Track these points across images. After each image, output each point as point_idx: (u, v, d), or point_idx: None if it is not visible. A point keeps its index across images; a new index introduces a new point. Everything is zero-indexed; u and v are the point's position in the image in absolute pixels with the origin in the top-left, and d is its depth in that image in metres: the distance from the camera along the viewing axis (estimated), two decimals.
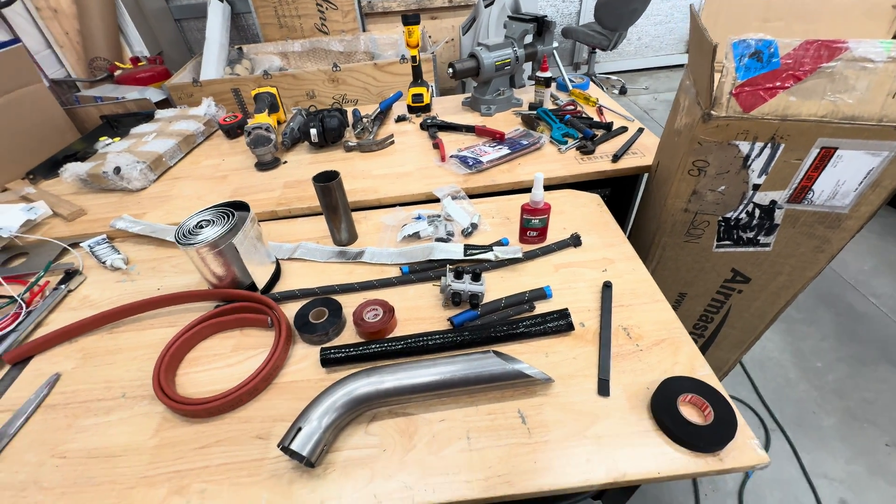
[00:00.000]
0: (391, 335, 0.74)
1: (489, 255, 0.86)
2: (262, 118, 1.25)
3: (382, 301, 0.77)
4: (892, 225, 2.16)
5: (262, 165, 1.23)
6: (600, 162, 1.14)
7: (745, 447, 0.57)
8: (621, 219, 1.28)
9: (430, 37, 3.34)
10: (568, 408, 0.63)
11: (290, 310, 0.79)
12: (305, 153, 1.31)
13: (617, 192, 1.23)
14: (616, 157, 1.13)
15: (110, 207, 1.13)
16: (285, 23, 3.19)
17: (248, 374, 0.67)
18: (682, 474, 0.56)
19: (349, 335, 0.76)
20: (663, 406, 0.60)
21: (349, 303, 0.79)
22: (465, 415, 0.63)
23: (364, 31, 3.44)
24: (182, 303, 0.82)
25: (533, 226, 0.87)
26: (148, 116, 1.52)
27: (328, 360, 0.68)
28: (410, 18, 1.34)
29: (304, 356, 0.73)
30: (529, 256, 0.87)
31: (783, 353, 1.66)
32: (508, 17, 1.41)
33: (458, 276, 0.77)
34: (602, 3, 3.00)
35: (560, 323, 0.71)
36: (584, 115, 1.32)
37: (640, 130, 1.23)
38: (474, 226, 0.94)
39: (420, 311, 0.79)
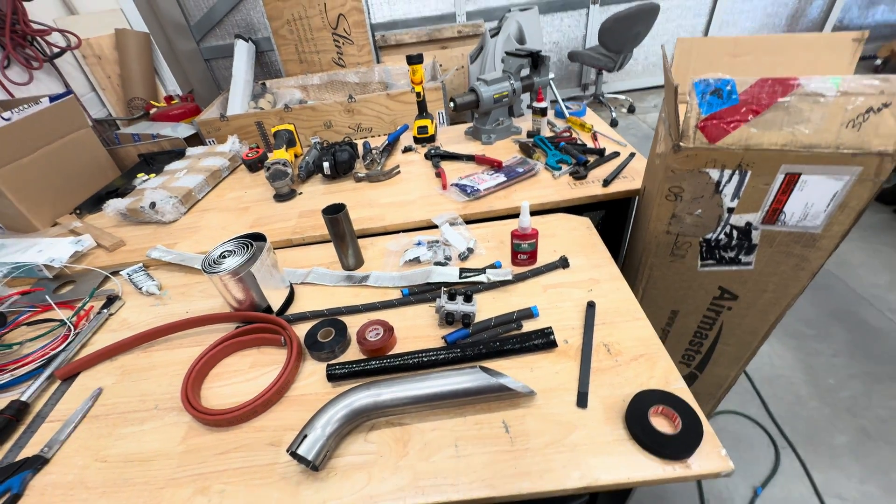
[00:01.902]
0: (391, 352, 0.81)
1: (482, 278, 0.93)
2: (280, 154, 1.37)
3: (384, 321, 0.85)
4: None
5: (280, 197, 1.35)
6: (592, 186, 1.20)
7: (712, 455, 0.61)
8: (617, 240, 1.34)
9: (440, 65, 3.50)
10: (548, 418, 0.68)
11: (301, 330, 0.88)
12: (319, 184, 1.42)
13: (612, 214, 1.29)
14: (607, 182, 1.19)
15: (146, 238, 1.26)
16: (305, 58, 3.41)
17: (263, 388, 0.76)
18: (652, 480, 0.60)
19: (353, 352, 0.84)
20: (636, 417, 0.65)
21: (354, 323, 0.87)
22: (454, 425, 0.69)
23: (378, 62, 3.64)
24: (207, 324, 0.92)
25: (522, 250, 0.94)
26: (180, 154, 1.67)
27: (334, 376, 0.76)
28: (414, 58, 1.46)
29: (313, 372, 0.81)
30: (519, 278, 0.94)
31: (794, 371, 1.64)
32: (506, 52, 1.52)
33: (452, 297, 0.84)
34: (605, 28, 3.10)
35: (543, 341, 0.78)
36: (578, 142, 1.40)
37: (632, 155, 1.30)
38: (470, 250, 1.02)
39: (417, 329, 0.86)
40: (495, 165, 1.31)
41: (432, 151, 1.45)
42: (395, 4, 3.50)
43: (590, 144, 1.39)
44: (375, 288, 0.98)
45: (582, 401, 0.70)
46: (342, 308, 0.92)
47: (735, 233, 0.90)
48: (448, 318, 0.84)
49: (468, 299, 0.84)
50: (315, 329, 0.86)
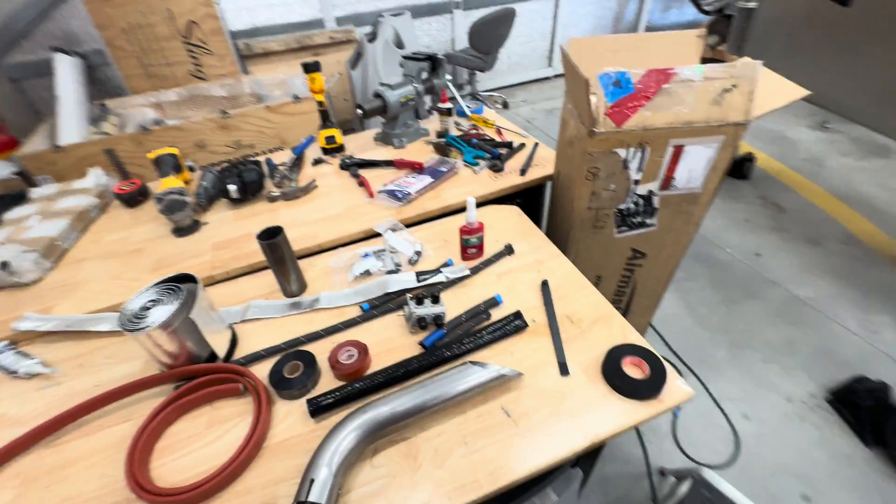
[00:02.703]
0: (370, 371, 0.78)
1: (440, 278, 0.94)
2: (171, 182, 1.19)
3: (354, 341, 0.80)
4: (729, 189, 2.72)
5: (182, 231, 1.17)
6: (511, 177, 1.29)
7: (674, 388, 0.72)
8: (535, 222, 1.46)
9: None
10: (541, 394, 0.73)
11: (260, 371, 0.79)
12: (226, 210, 1.27)
13: (526, 200, 1.40)
14: (524, 171, 1.29)
15: (3, 308, 0.98)
16: (154, 72, 2.96)
17: (231, 446, 0.66)
18: (641, 420, 0.69)
19: (328, 381, 0.78)
20: (612, 371, 0.74)
21: (320, 350, 0.81)
22: (457, 424, 0.69)
23: (246, 73, 3.34)
24: (133, 393, 0.76)
25: (472, 244, 0.98)
26: (18, 198, 1.33)
27: (319, 409, 0.70)
28: (311, 66, 1.39)
29: (288, 413, 0.73)
30: (475, 271, 0.97)
31: (678, 308, 1.99)
32: (403, 56, 1.53)
33: (420, 301, 0.84)
34: (474, 30, 3.31)
35: (517, 323, 0.82)
36: (487, 138, 1.49)
37: (536, 145, 1.42)
38: (419, 253, 1.02)
39: (390, 342, 0.84)
40: (417, 168, 1.33)
41: (347, 161, 1.40)
42: (254, 11, 3.24)
43: (497, 139, 1.49)
44: (329, 310, 0.92)
45: (563, 370, 0.76)
46: (301, 338, 0.84)
47: (641, 201, 1.06)
48: (421, 323, 0.83)
49: (436, 300, 0.84)
50: (278, 366, 0.77)
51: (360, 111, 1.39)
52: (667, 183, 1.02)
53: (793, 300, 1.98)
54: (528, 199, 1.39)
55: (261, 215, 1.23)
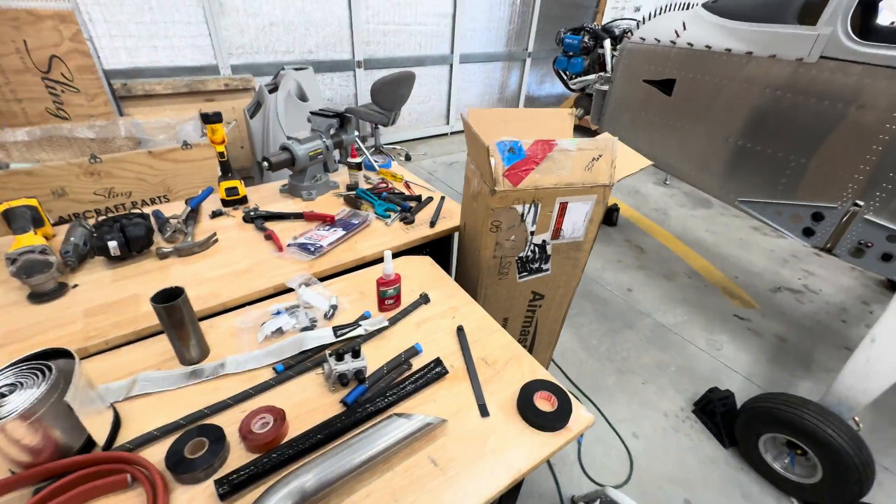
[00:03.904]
0: (288, 438, 0.73)
1: (359, 331, 0.94)
2: (30, 239, 1.01)
3: (268, 407, 0.75)
4: (602, 235, 3.18)
5: (41, 297, 0.99)
6: (421, 228, 1.37)
7: (578, 416, 0.81)
8: (445, 270, 1.54)
9: None
10: (465, 437, 0.76)
11: (155, 455, 0.69)
12: (103, 269, 1.11)
13: (435, 250, 1.48)
14: (433, 223, 1.38)
15: None
16: None
17: None
18: (555, 449, 0.76)
19: (239, 455, 0.71)
20: (526, 407, 0.80)
21: (228, 422, 0.74)
22: (386, 481, 0.68)
23: (122, 114, 3.03)
24: None
25: (389, 295, 1.00)
26: None
27: (229, 490, 0.63)
28: (211, 117, 1.34)
29: (191, 499, 0.65)
30: (393, 322, 0.99)
31: (573, 342, 2.21)
32: (312, 112, 1.56)
33: (340, 357, 0.83)
34: (376, 89, 3.49)
35: (437, 370, 0.85)
36: (396, 191, 1.56)
37: (443, 198, 1.54)
38: (334, 308, 1.01)
39: (309, 403, 0.80)
40: (328, 220, 1.33)
41: (252, 213, 1.35)
42: (136, 51, 3.01)
43: (405, 192, 1.57)
44: (238, 375, 0.85)
45: (483, 411, 0.81)
46: (205, 410, 0.76)
47: (537, 249, 1.20)
48: (342, 380, 0.82)
49: (356, 354, 0.84)
50: (177, 446, 0.68)
51: (266, 164, 1.37)
52: (556, 233, 1.18)
53: (659, 327, 2.34)
54: (435, 249, 1.47)
55: (149, 274, 1.11)
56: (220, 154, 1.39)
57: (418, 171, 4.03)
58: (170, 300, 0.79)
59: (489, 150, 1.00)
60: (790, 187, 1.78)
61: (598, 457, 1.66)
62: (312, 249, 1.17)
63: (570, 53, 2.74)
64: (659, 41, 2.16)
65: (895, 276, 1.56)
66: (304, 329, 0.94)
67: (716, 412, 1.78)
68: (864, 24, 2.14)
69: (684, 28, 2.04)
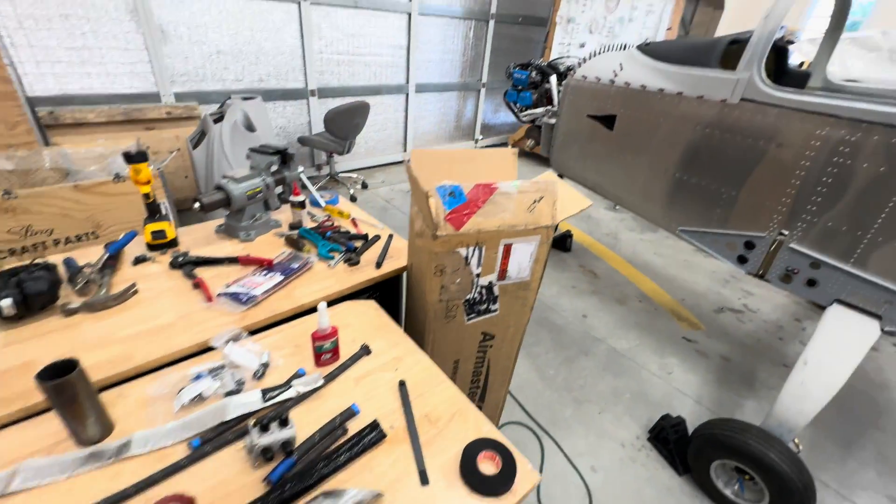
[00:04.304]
0: None
1: (290, 393, 0.86)
2: None
3: (177, 495, 0.66)
4: (558, 261, 3.24)
5: None
6: (367, 270, 1.32)
7: (524, 473, 0.77)
8: (395, 313, 1.49)
9: (147, 147, 3.02)
10: None
11: None
12: None
13: (385, 291, 1.43)
14: (379, 264, 1.33)
15: None
16: None
17: None
18: None
19: None
20: (469, 471, 0.75)
21: None
22: None
23: (47, 144, 2.81)
24: None
25: (326, 349, 0.94)
26: None
27: None
28: (134, 157, 1.24)
29: None
30: (329, 379, 0.92)
31: (530, 373, 2.19)
32: (251, 149, 1.50)
33: (265, 427, 0.75)
34: (329, 118, 3.45)
35: (374, 435, 0.79)
36: (342, 230, 1.51)
37: (391, 237, 1.50)
38: (265, 365, 0.93)
39: (228, 484, 0.72)
40: (265, 265, 1.25)
41: (180, 259, 1.25)
42: (66, 77, 2.81)
43: (352, 231, 1.52)
44: (146, 455, 0.75)
45: (424, 479, 0.75)
46: (100, 503, 0.66)
47: (484, 291, 1.18)
48: (266, 454, 0.74)
49: (284, 423, 0.77)
50: None
51: (198, 205, 1.28)
52: (502, 274, 1.17)
53: (614, 353, 2.38)
54: (386, 289, 1.42)
55: (50, 335, 0.98)
56: (146, 196, 1.29)
57: (375, 200, 3.99)
58: (61, 375, 0.69)
59: (428, 196, 0.98)
60: (724, 217, 1.88)
61: (558, 495, 1.62)
62: (245, 299, 1.09)
63: (520, 87, 2.83)
64: (599, 79, 2.27)
65: (819, 300, 1.66)
66: (229, 393, 0.86)
67: (669, 440, 1.80)
68: (779, 66, 2.36)
69: (621, 68, 2.16)
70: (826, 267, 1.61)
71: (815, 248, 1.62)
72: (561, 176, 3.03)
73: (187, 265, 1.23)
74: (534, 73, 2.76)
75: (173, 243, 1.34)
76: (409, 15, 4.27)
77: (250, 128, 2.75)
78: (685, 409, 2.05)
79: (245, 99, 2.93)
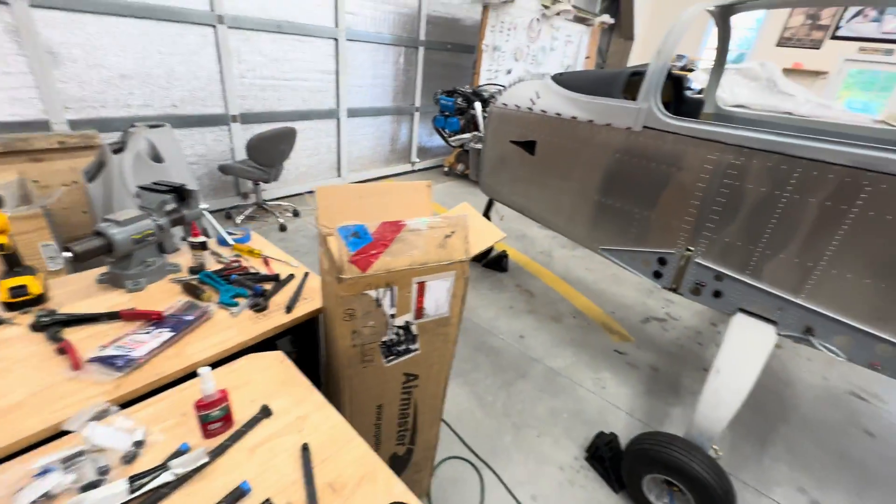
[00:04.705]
0: None
1: (167, 477, 0.74)
2: None
3: None
4: (494, 282, 3.27)
5: None
6: (276, 315, 1.21)
7: None
8: (314, 360, 1.38)
9: (35, 181, 2.67)
10: None
11: None
12: None
13: (300, 335, 1.33)
14: (290, 308, 1.23)
15: None
16: None
17: None
18: None
19: None
20: None
21: None
22: None
23: None
24: None
25: (214, 418, 0.83)
26: None
27: None
28: None
29: None
30: (218, 453, 0.81)
31: (469, 402, 2.15)
32: (140, 187, 1.35)
33: None
34: (252, 145, 3.28)
35: None
36: (251, 271, 1.39)
37: (306, 275, 1.40)
38: (139, 444, 0.80)
39: None
40: (153, 318, 1.11)
41: (44, 318, 1.07)
42: None
43: (263, 271, 1.41)
44: None
45: None
46: None
47: (401, 331, 1.12)
48: None
49: None
50: None
51: (69, 254, 1.11)
52: (419, 313, 1.12)
53: (551, 372, 2.40)
54: (303, 334, 1.32)
55: None
56: (2, 247, 1.10)
57: (307, 228, 3.82)
58: None
59: (328, 240, 0.91)
60: (639, 236, 1.98)
61: None
62: (122, 363, 0.95)
63: (447, 113, 2.87)
64: (519, 107, 2.35)
65: (725, 310, 1.79)
66: (87, 487, 0.72)
67: (604, 457, 1.82)
68: (678, 94, 2.59)
69: (538, 96, 2.25)
70: (728, 279, 1.74)
71: (718, 261, 1.75)
72: (491, 200, 3.09)
73: (53, 326, 1.05)
74: (459, 100, 2.81)
75: (39, 300, 1.15)
76: (336, 40, 4.24)
77: (157, 158, 2.53)
78: (619, 423, 2.10)
79: (152, 126, 2.69)
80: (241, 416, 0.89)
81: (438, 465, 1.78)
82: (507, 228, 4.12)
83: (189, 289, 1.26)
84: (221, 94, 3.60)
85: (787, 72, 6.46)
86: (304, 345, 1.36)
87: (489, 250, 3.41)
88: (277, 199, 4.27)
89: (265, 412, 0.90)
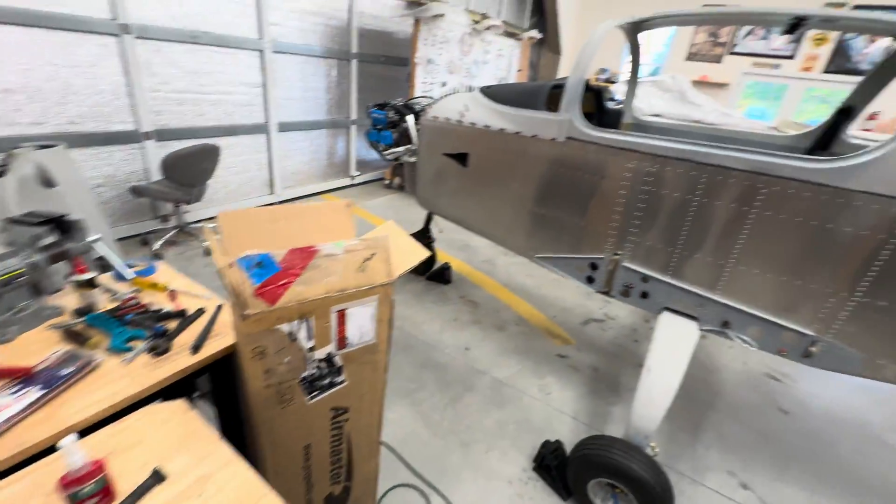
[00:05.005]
0: None
1: None
2: None
3: None
4: (438, 295, 3.23)
5: None
6: (180, 358, 1.08)
7: None
8: (232, 402, 1.25)
9: None
10: None
11: None
12: None
13: (217, 372, 1.20)
14: (196, 348, 1.10)
15: None
16: None
17: None
18: None
19: None
20: None
21: None
22: None
23: None
24: None
25: (86, 495, 0.70)
26: None
27: None
28: None
29: None
30: None
31: (415, 423, 2.07)
32: (9, 220, 1.15)
33: None
34: (168, 164, 3.02)
35: None
36: (153, 308, 1.23)
37: (219, 308, 1.27)
38: None
39: None
40: (20, 375, 0.94)
41: None
42: None
43: (167, 307, 1.26)
44: None
45: None
46: None
47: (323, 364, 1.04)
48: None
49: None
50: None
51: None
52: (342, 343, 1.04)
53: (497, 383, 2.39)
54: (218, 370, 1.19)
55: None
56: None
57: None
58: None
59: (225, 273, 0.82)
60: (572, 243, 2.03)
61: None
62: None
63: (379, 126, 2.81)
64: (449, 119, 2.35)
65: (652, 309, 1.87)
66: None
67: (550, 466, 1.82)
68: (599, 105, 2.72)
69: (467, 109, 2.26)
70: (653, 280, 1.82)
71: (643, 264, 1.83)
72: (430, 214, 3.07)
73: None
74: (391, 113, 2.77)
75: None
76: (262, 52, 4.05)
77: (49, 183, 2.23)
78: (565, 428, 2.12)
79: (41, 147, 2.38)
80: (126, 486, 0.76)
81: (383, 496, 1.69)
82: (450, 239, 4.11)
83: (71, 335, 1.09)
84: (130, 109, 3.29)
85: (696, 83, 7.11)
86: (226, 384, 1.22)
87: (431, 263, 3.38)
88: (203, 220, 3.96)
89: (157, 477, 0.78)
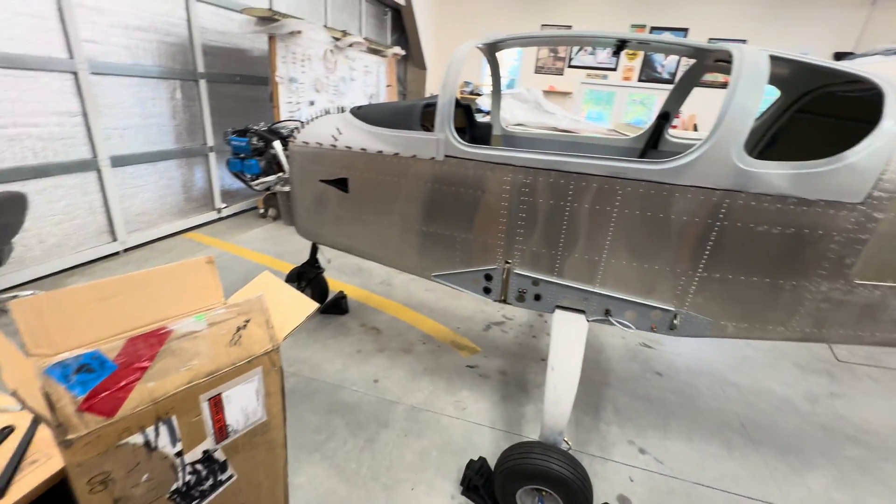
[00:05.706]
0: None
1: None
2: None
3: None
4: (337, 328, 3.01)
5: None
6: None
7: None
8: None
9: None
10: None
11: None
12: None
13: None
14: (2, 491, 0.80)
15: None
16: None
17: None
18: None
19: None
20: None
21: None
22: None
23: None
24: None
25: None
26: None
27: None
28: None
29: None
30: None
31: (329, 479, 1.87)
32: None
33: None
34: None
35: None
36: None
37: (35, 424, 0.95)
38: None
39: None
40: None
41: None
42: None
43: None
44: None
45: None
46: None
47: (198, 466, 0.84)
48: None
49: None
50: None
51: None
52: (222, 433, 0.85)
53: (412, 411, 2.30)
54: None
55: None
56: None
57: None
58: None
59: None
60: (464, 258, 2.05)
61: None
62: None
63: (242, 155, 2.52)
64: (321, 144, 2.20)
65: (546, 310, 1.98)
66: None
67: (479, 486, 1.80)
68: (470, 120, 2.83)
69: (340, 132, 2.15)
70: (543, 282, 1.92)
71: (532, 269, 1.92)
72: (316, 245, 2.85)
73: None
74: (255, 140, 2.50)
75: None
76: (76, 74, 3.34)
77: None
78: (485, 441, 2.13)
79: None
80: None
81: None
82: (341, 265, 3.91)
83: None
84: None
85: (546, 93, 8.01)
86: None
87: (325, 295, 3.15)
88: (15, 287, 3.10)
89: None
